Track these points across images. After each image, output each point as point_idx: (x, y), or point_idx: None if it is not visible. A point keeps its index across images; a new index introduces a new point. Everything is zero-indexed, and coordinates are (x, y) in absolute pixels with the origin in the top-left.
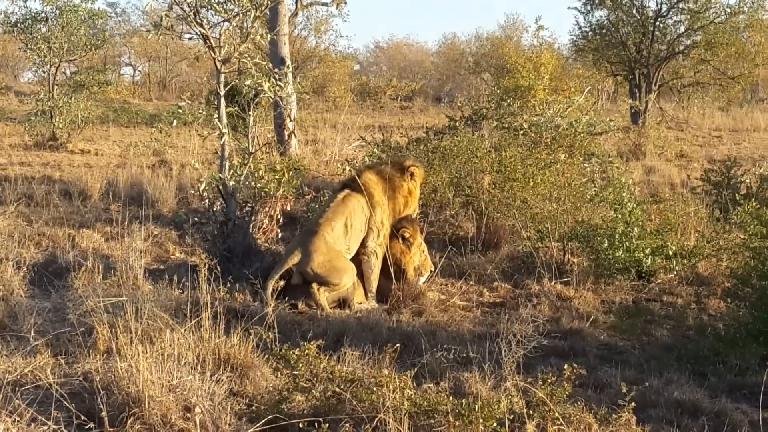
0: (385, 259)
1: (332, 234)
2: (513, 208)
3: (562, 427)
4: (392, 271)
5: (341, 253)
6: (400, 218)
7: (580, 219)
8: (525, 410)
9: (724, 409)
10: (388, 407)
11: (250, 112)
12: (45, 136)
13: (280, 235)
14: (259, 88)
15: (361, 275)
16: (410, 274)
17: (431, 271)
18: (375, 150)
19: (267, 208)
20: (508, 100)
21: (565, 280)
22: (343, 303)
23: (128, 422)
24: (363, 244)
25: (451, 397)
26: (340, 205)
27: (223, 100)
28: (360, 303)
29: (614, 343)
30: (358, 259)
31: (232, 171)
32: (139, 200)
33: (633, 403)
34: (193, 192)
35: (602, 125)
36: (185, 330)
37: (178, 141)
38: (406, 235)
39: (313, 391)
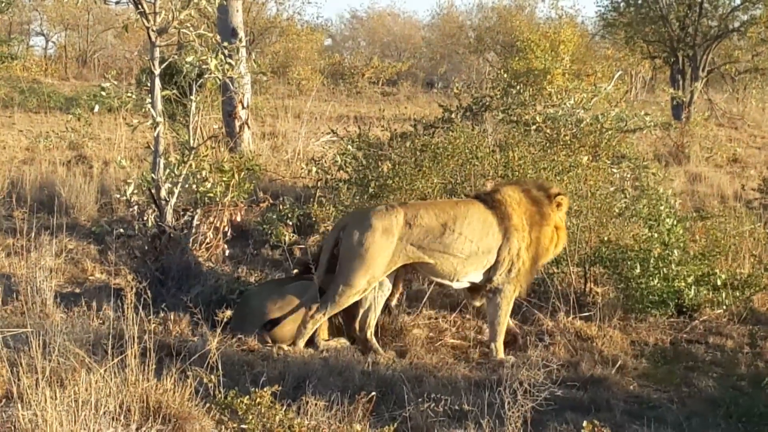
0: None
1: (414, 220)
2: None
3: None
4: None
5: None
6: None
7: (605, 238)
8: None
9: None
10: None
11: (192, 97)
12: None
13: (227, 252)
14: (204, 66)
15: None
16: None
17: (403, 289)
18: (349, 147)
19: (211, 218)
20: (518, 87)
21: (587, 314)
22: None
23: None
24: (488, 279)
25: None
26: (450, 203)
27: (158, 81)
28: (327, 340)
29: (647, 395)
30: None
31: (167, 171)
32: (50, 206)
33: None
34: (118, 196)
35: (636, 120)
36: (105, 371)
37: (100, 131)
38: None
39: None
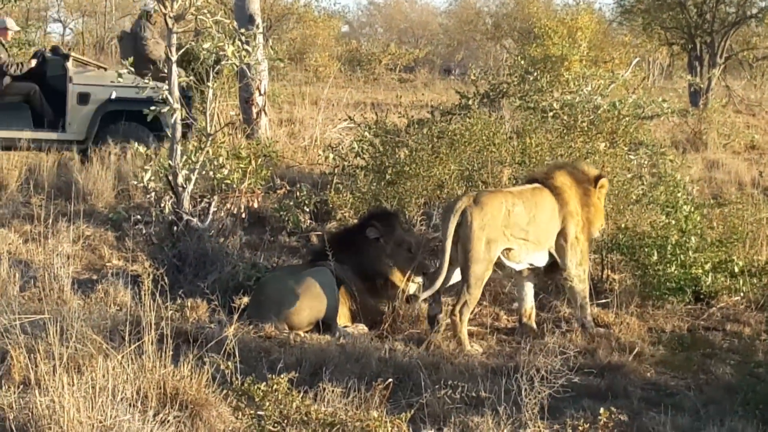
0: (371, 274)
1: (512, 208)
2: None
3: None
4: (381, 289)
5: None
6: (371, 213)
7: (623, 225)
8: None
9: None
10: None
11: (209, 83)
12: None
13: (244, 238)
14: (221, 53)
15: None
16: (398, 281)
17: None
18: (366, 134)
19: (228, 205)
20: (535, 74)
21: (604, 301)
22: (323, 326)
23: None
24: (558, 267)
25: None
26: (528, 191)
27: (175, 68)
28: (345, 326)
29: (664, 382)
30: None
31: (185, 157)
32: (67, 192)
33: None
34: (135, 183)
35: (653, 107)
36: (123, 357)
37: None
38: (373, 234)
39: None
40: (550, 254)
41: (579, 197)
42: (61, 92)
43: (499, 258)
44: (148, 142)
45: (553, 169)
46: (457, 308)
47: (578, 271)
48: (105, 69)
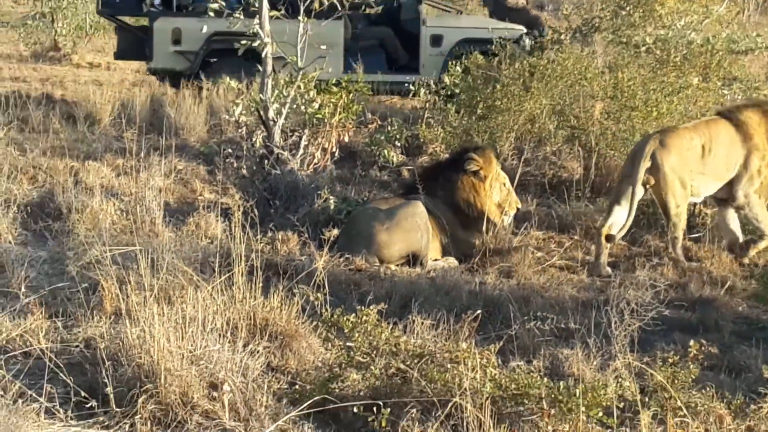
0: (464, 208)
1: (689, 143)
2: (631, 144)
3: (686, 420)
4: (473, 223)
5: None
6: (465, 147)
7: None
8: (639, 397)
9: None
10: (465, 390)
11: (300, 18)
12: (45, 46)
13: (335, 172)
14: None
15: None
16: (493, 215)
17: (517, 208)
18: (457, 68)
19: (319, 139)
20: (628, 8)
21: (696, 235)
22: (413, 260)
23: (139, 401)
24: (732, 195)
25: (545, 379)
26: (703, 124)
27: (265, 1)
28: (436, 260)
29: (756, 316)
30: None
31: (276, 92)
32: (159, 127)
33: None
34: (227, 117)
35: (748, 42)
36: (213, 288)
37: None
38: (473, 167)
39: (372, 368)
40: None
41: (766, 134)
42: (414, 35)
43: None
44: None
45: (743, 104)
46: (670, 247)
47: (753, 199)
48: (459, 12)
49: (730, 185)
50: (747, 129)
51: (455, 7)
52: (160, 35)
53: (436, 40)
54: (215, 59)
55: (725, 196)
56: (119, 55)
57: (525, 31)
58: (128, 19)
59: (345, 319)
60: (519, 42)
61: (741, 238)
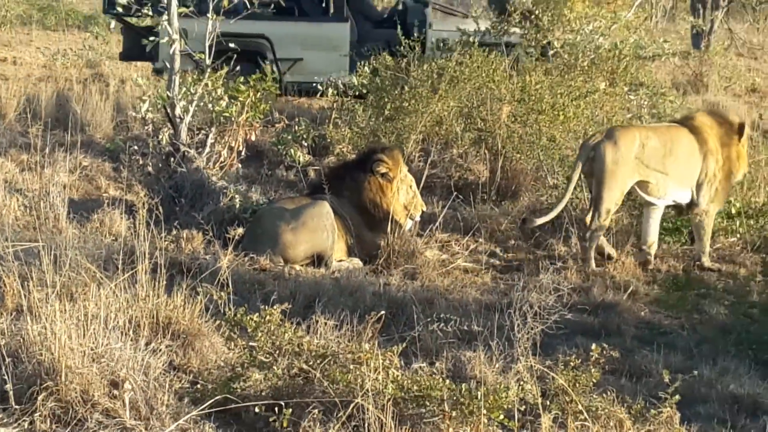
0: (370, 208)
1: (646, 141)
2: (537, 147)
3: (586, 423)
4: (378, 224)
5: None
6: (372, 148)
7: None
8: (540, 400)
9: None
10: (367, 391)
11: (209, 15)
12: None
13: (241, 171)
14: None
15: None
16: (399, 217)
17: (423, 211)
18: (366, 69)
19: (226, 137)
20: (537, 12)
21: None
22: (318, 260)
23: (39, 398)
24: (694, 202)
25: (448, 381)
26: (663, 127)
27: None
28: (341, 260)
29: (657, 321)
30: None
31: (183, 89)
32: (65, 123)
33: (677, 396)
34: (133, 114)
35: (655, 48)
36: (116, 286)
37: (118, 49)
38: (382, 169)
39: (275, 368)
40: (692, 192)
41: (719, 138)
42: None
43: (638, 193)
44: None
45: (694, 112)
46: (588, 234)
47: (710, 208)
48: (466, 15)
49: (696, 191)
50: (702, 134)
51: (461, 11)
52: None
53: (441, 43)
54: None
55: (686, 202)
56: (124, 56)
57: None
58: (132, 20)
59: (248, 318)
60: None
61: (653, 244)
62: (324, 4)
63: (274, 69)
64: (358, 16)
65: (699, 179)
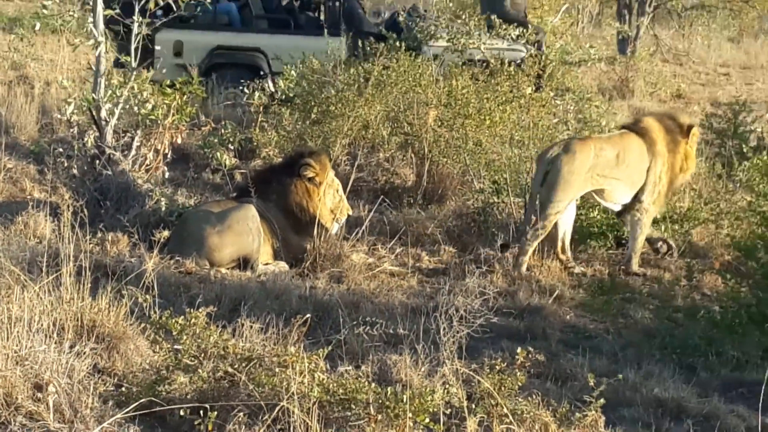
0: (297, 212)
1: (600, 152)
2: (463, 152)
3: (512, 427)
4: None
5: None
6: (300, 151)
7: None
8: (466, 404)
9: (715, 411)
10: (292, 394)
11: (135, 17)
12: None
13: (167, 174)
14: None
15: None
16: (326, 220)
17: (348, 215)
18: (293, 73)
19: (152, 140)
20: (464, 17)
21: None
22: (244, 263)
23: None
24: (637, 198)
25: (373, 385)
26: (616, 137)
27: (100, 1)
28: (267, 264)
29: (582, 325)
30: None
31: (109, 92)
32: None
33: (602, 400)
34: (59, 117)
35: (581, 54)
36: (40, 288)
37: (43, 52)
38: (309, 173)
39: (200, 371)
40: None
41: (666, 141)
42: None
43: (595, 199)
44: None
45: (642, 116)
46: (528, 236)
47: (651, 209)
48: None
49: (640, 190)
50: (651, 136)
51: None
52: (163, 47)
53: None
54: (216, 72)
55: (629, 201)
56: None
57: (524, 52)
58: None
59: (173, 321)
60: (521, 64)
61: (564, 243)
62: (319, 18)
63: (268, 83)
64: (353, 30)
65: (645, 180)
